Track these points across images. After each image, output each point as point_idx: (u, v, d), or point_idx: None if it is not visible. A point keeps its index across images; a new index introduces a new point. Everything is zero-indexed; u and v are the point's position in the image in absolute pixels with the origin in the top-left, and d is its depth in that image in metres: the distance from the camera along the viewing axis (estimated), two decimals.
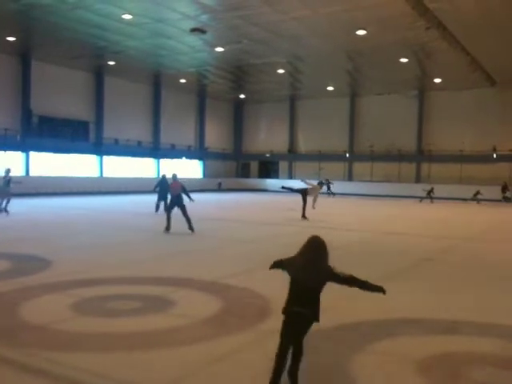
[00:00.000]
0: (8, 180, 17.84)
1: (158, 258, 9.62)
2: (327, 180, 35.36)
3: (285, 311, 3.75)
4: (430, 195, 31.92)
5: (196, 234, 13.48)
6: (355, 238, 13.28)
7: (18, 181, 19.34)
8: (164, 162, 39.72)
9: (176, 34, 24.38)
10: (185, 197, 13.65)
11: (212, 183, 42.09)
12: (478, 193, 31.45)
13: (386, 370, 4.37)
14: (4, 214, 16.94)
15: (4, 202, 17.43)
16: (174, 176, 14.31)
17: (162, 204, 18.00)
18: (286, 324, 3.72)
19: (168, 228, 13.42)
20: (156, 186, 19.25)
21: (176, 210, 13.56)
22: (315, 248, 3.83)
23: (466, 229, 16.57)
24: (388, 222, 18.84)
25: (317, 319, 3.71)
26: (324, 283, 3.75)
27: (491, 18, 20.67)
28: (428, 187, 32.58)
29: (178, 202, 13.49)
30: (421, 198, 31.79)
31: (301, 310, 3.65)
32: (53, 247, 10.47)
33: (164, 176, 19.63)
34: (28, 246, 10.59)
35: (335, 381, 4.12)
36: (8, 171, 18.12)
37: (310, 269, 3.74)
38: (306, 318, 3.67)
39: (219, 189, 42.35)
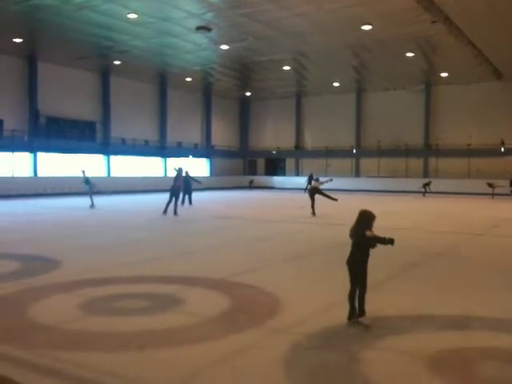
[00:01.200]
0: (87, 180, 20.78)
1: (167, 257, 9.62)
2: (311, 175, 35.47)
3: (346, 262, 5.54)
4: (425, 188, 32.02)
5: (205, 232, 13.52)
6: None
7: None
8: (171, 160, 39.77)
9: (181, 33, 24.39)
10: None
11: (219, 181, 42.08)
12: (492, 186, 30.75)
13: (397, 365, 4.35)
14: (91, 206, 20.25)
15: (90, 197, 20.68)
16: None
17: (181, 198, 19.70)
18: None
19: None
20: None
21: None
22: (358, 217, 5.57)
23: (476, 223, 16.46)
24: (397, 217, 18.75)
25: (363, 268, 5.47)
26: (362, 238, 5.40)
27: (497, 11, 20.51)
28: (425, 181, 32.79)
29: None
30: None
31: (348, 260, 5.48)
32: (61, 247, 10.50)
33: (187, 172, 21.46)
34: (36, 246, 10.63)
35: (345, 377, 4.10)
36: (84, 172, 21.10)
37: (353, 230, 5.54)
38: (355, 257, 5.44)
39: (250, 186, 43.33)
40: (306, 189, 33.18)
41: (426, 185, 32.70)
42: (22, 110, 29.88)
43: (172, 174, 20.58)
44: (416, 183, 35.05)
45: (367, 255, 5.47)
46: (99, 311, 5.84)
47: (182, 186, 19.35)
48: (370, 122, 41.15)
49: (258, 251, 10.45)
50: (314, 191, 18.13)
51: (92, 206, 20.37)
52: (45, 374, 4.07)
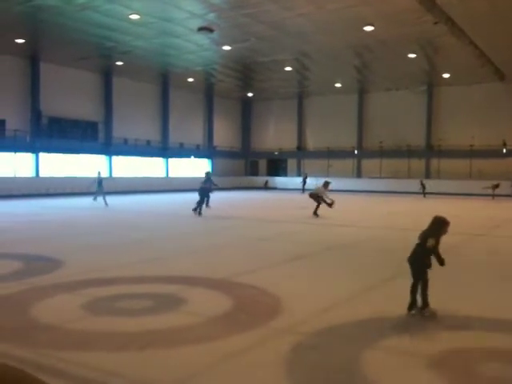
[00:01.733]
0: (100, 180, 22.26)
1: (169, 257, 9.64)
2: (305, 174, 35.41)
3: (407, 259, 5.81)
4: (423, 188, 32.13)
5: (207, 232, 13.54)
6: (367, 234, 13.24)
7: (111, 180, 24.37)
8: (173, 161, 39.82)
9: (183, 33, 24.43)
10: None
11: (220, 182, 41.93)
12: (497, 186, 30.76)
13: (398, 366, 4.36)
14: (105, 205, 21.13)
15: (103, 198, 21.74)
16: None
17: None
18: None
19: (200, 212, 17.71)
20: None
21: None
22: (431, 221, 5.80)
23: (477, 224, 16.47)
24: (399, 218, 18.77)
25: (423, 265, 5.66)
26: (425, 243, 5.60)
27: (499, 11, 20.51)
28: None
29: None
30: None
31: (409, 258, 5.75)
32: (63, 247, 10.52)
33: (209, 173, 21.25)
34: (38, 246, 10.66)
35: (346, 377, 4.11)
36: (99, 173, 22.88)
37: (423, 232, 5.76)
38: (411, 262, 5.74)
39: (265, 187, 43.31)
40: (303, 189, 32.85)
41: (422, 185, 32.68)
42: (24, 110, 29.94)
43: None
44: (418, 184, 35.06)
45: (428, 257, 5.67)
46: (102, 311, 5.86)
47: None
48: (371, 123, 41.16)
49: (260, 251, 10.46)
50: (316, 196, 17.95)
51: (106, 205, 21.25)
52: (47, 373, 4.09)
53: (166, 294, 6.66)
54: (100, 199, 22.00)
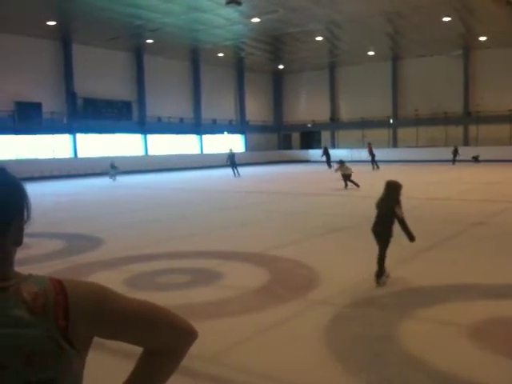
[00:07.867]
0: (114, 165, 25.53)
1: (204, 232, 9.77)
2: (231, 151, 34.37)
3: (372, 229, 5.84)
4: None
5: (241, 206, 13.64)
6: (405, 205, 13.08)
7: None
8: (206, 137, 39.94)
9: (211, 8, 24.22)
10: None
11: (254, 157, 41.98)
12: None
13: (438, 335, 4.35)
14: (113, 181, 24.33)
15: (114, 176, 25.11)
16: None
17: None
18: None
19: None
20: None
21: None
22: (387, 188, 5.79)
23: None
24: (437, 187, 18.44)
25: (390, 235, 5.70)
26: (391, 213, 5.60)
27: None
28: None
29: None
30: None
31: (376, 229, 5.76)
32: (103, 225, 10.79)
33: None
34: (80, 225, 10.95)
35: (386, 347, 4.13)
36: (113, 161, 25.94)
37: (382, 201, 5.77)
38: (379, 233, 5.71)
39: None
40: (233, 169, 27.89)
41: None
42: (59, 92, 30.42)
43: None
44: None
45: (392, 226, 5.73)
46: (143, 286, 6.01)
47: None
48: (406, 91, 40.19)
49: (295, 224, 10.49)
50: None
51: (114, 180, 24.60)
52: (92, 347, 4.24)
53: (203, 268, 6.78)
54: (117, 178, 24.77)
